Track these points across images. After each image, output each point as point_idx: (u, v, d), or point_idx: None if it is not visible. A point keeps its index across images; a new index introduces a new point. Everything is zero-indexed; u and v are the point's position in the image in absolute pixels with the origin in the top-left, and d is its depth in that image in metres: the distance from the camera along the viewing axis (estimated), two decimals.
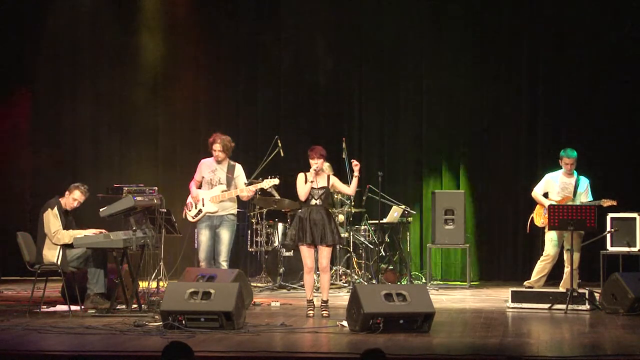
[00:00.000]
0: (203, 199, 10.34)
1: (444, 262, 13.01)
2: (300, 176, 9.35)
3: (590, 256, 11.58)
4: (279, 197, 11.93)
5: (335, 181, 9.39)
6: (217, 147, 10.35)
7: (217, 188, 10.35)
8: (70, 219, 9.86)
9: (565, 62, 13.19)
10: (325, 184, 9.32)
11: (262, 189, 10.92)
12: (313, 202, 9.28)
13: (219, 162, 10.39)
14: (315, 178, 9.29)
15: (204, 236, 10.33)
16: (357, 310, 8.20)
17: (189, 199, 10.48)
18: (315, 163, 9.27)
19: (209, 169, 10.43)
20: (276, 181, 10.48)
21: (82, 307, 9.54)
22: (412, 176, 13.54)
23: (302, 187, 9.30)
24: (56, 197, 9.80)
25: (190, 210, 10.44)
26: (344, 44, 13.69)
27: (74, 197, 9.81)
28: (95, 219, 10.16)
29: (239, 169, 10.48)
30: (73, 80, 13.90)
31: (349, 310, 8.45)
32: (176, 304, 8.31)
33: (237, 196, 10.44)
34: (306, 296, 9.44)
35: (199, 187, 10.48)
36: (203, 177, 10.42)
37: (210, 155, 10.49)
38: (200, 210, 10.35)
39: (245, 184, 10.47)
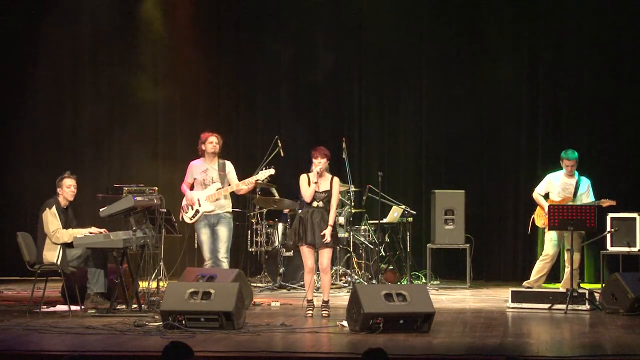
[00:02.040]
0: (199, 200, 10.35)
1: (444, 262, 13.00)
2: (303, 177, 9.33)
3: (590, 256, 11.60)
4: (278, 198, 11.94)
5: (334, 187, 9.35)
6: (214, 139, 10.40)
7: (212, 187, 10.38)
8: (70, 217, 9.86)
9: (565, 62, 13.18)
10: (328, 187, 9.29)
11: (262, 184, 10.85)
12: (315, 204, 9.28)
13: (214, 153, 10.37)
14: (318, 180, 9.27)
15: (204, 235, 10.35)
16: (357, 310, 8.20)
17: (184, 202, 10.50)
18: (319, 163, 9.25)
19: (200, 169, 10.45)
20: (271, 171, 10.43)
21: (82, 307, 9.54)
22: (412, 176, 13.54)
23: (306, 189, 9.27)
24: (54, 197, 9.81)
25: (186, 212, 10.45)
26: (344, 44, 13.69)
27: (66, 186, 9.80)
28: (95, 219, 10.17)
29: (229, 166, 10.52)
30: (73, 81, 13.90)
31: (349, 310, 8.45)
32: (176, 304, 8.31)
33: (232, 192, 10.46)
34: (306, 296, 9.45)
35: (191, 189, 10.49)
36: (195, 179, 10.45)
37: (198, 157, 10.50)
38: (197, 211, 10.36)
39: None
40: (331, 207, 9.28)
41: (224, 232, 10.36)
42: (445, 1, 13.51)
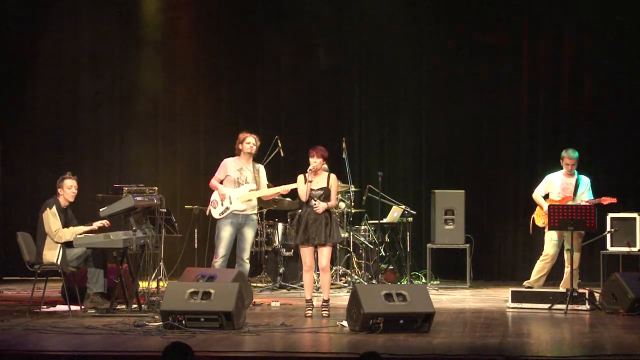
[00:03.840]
0: (230, 197, 10.29)
1: (444, 262, 13.01)
2: (300, 177, 9.38)
3: (591, 256, 11.60)
4: (278, 198, 11.92)
5: (332, 184, 9.36)
6: (252, 140, 10.36)
7: (245, 187, 10.32)
8: (70, 217, 9.86)
9: (565, 62, 13.19)
10: (325, 185, 9.32)
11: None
12: (312, 202, 9.29)
13: (250, 154, 10.34)
14: (313, 178, 9.30)
15: (226, 232, 10.27)
16: (357, 310, 8.20)
17: (214, 196, 10.36)
18: (314, 162, 9.29)
19: (235, 167, 10.39)
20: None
21: (82, 306, 9.54)
22: (412, 176, 13.55)
23: (302, 187, 9.33)
24: (54, 197, 9.81)
25: (216, 208, 10.35)
26: (344, 44, 13.69)
27: (67, 187, 9.80)
28: (95, 218, 10.16)
29: (262, 170, 10.52)
30: (73, 81, 13.90)
31: (349, 310, 8.45)
32: (176, 304, 8.31)
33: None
34: (305, 296, 9.45)
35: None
36: (228, 176, 10.34)
37: (233, 155, 10.45)
38: (227, 208, 10.29)
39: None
40: (331, 198, 9.28)
41: (250, 234, 10.33)
42: (445, 1, 13.51)
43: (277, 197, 11.89)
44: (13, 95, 13.72)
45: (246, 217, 10.32)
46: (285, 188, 10.28)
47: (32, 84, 13.82)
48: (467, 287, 12.14)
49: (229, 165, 10.42)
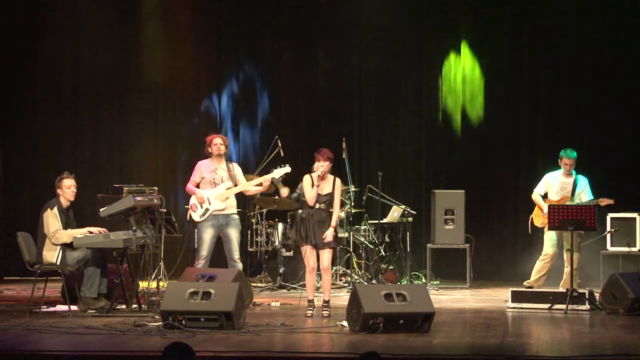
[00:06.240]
0: (208, 198, 10.30)
1: (444, 262, 13.00)
2: (307, 179, 9.33)
3: (591, 256, 11.60)
4: (279, 198, 11.91)
5: (337, 189, 9.35)
6: (218, 141, 10.40)
7: (222, 185, 10.34)
8: (71, 218, 9.86)
9: (565, 62, 13.20)
10: (331, 190, 9.30)
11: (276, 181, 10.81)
12: (317, 206, 9.28)
13: (220, 155, 10.37)
14: (321, 183, 9.27)
15: (207, 235, 10.28)
16: (357, 310, 8.20)
17: (193, 200, 10.41)
18: (322, 166, 9.26)
19: (209, 169, 10.41)
20: (287, 169, 10.35)
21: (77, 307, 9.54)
22: (412, 176, 13.55)
23: (309, 191, 9.29)
24: (56, 197, 9.80)
25: (195, 211, 10.36)
26: (344, 44, 13.69)
27: (67, 187, 9.78)
28: (95, 219, 10.15)
29: (237, 167, 10.53)
30: (73, 81, 13.90)
31: (349, 310, 8.45)
32: (176, 304, 8.31)
33: (240, 193, 10.45)
34: (307, 296, 9.45)
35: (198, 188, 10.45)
36: (203, 178, 10.37)
37: (206, 157, 10.47)
38: (207, 210, 10.30)
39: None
40: (334, 209, 9.28)
41: (234, 234, 10.31)
42: (445, 1, 13.51)
43: (276, 197, 11.91)
44: (13, 95, 13.72)
45: (227, 217, 10.31)
46: (261, 180, 10.29)
47: (32, 84, 13.82)
48: (467, 287, 12.14)
49: (203, 168, 10.43)
